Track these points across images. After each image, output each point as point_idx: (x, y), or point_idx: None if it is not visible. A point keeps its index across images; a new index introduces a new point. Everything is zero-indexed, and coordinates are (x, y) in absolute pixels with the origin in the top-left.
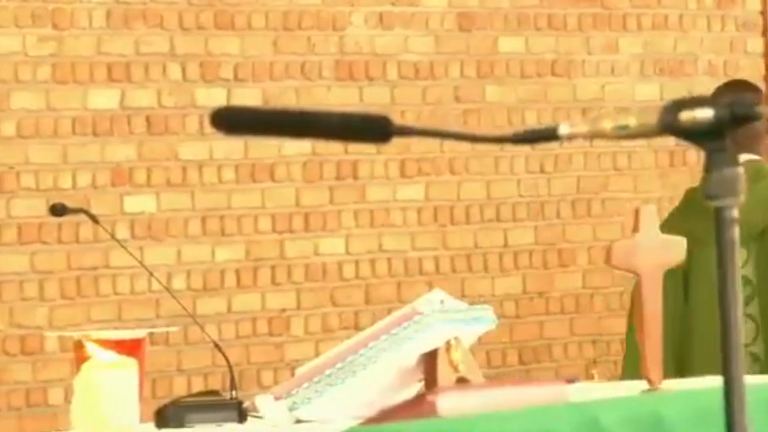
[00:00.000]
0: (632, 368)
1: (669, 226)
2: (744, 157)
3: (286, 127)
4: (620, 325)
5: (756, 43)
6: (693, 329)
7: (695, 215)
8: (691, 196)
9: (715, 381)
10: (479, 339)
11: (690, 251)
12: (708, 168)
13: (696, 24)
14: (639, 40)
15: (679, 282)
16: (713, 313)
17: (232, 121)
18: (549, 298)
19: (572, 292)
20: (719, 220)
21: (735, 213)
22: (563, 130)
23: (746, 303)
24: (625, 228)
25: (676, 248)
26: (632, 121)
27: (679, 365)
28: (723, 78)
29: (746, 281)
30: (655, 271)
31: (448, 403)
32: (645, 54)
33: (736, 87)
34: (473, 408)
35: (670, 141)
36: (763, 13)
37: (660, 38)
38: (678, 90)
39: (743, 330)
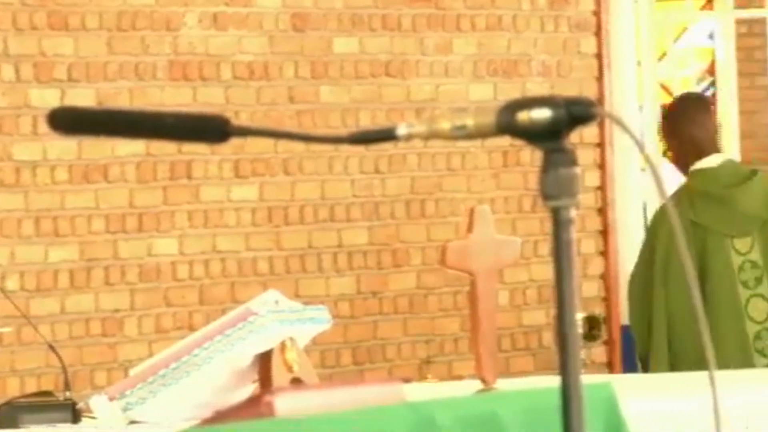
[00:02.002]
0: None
1: (678, 214)
2: (720, 157)
3: (124, 127)
4: (454, 324)
5: (589, 44)
6: (713, 321)
7: (703, 203)
8: (693, 183)
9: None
10: (313, 339)
11: (702, 240)
12: (545, 168)
13: (529, 25)
14: (473, 41)
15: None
16: (730, 303)
17: (69, 121)
18: (383, 298)
19: (406, 292)
20: (556, 220)
21: (572, 213)
22: (401, 130)
23: (757, 284)
24: (460, 228)
25: (509, 248)
26: (470, 122)
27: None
28: (556, 78)
29: (755, 265)
30: (489, 271)
31: (286, 403)
32: (479, 54)
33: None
34: (311, 408)
35: (504, 141)
36: (596, 13)
37: (494, 39)
38: (512, 90)
39: (578, 330)
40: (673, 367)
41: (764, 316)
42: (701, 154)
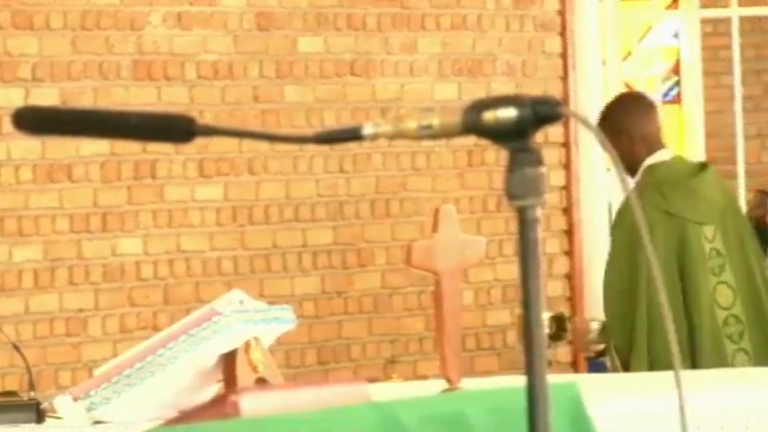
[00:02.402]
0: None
1: (646, 203)
2: (668, 152)
3: (89, 126)
4: (419, 324)
5: (554, 43)
6: (695, 309)
7: (673, 193)
8: (655, 175)
9: (516, 380)
10: (278, 339)
11: (680, 230)
12: (511, 168)
13: (494, 24)
14: (438, 40)
15: (675, 269)
16: (706, 291)
17: (33, 121)
18: (348, 297)
19: (371, 292)
20: (522, 220)
21: (538, 213)
22: (367, 130)
23: (721, 272)
24: (424, 228)
25: (474, 248)
26: (435, 121)
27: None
28: (521, 78)
29: (719, 253)
30: (454, 271)
31: (251, 403)
32: (444, 54)
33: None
34: (276, 408)
35: (469, 141)
36: (561, 13)
37: (458, 38)
38: (476, 90)
39: (544, 329)
40: (655, 362)
41: (730, 302)
42: (652, 150)
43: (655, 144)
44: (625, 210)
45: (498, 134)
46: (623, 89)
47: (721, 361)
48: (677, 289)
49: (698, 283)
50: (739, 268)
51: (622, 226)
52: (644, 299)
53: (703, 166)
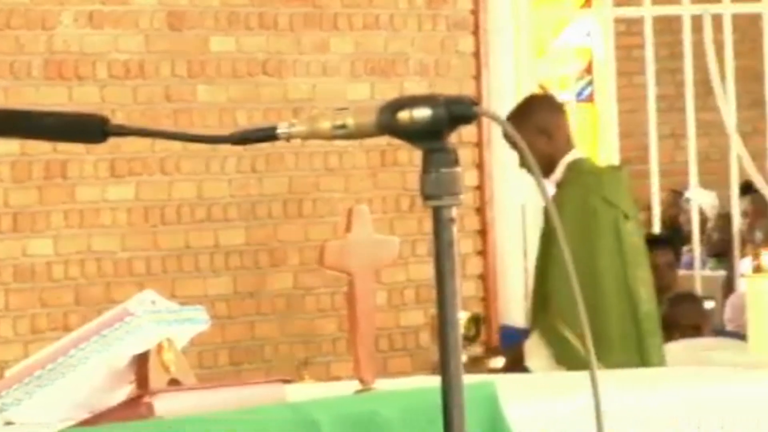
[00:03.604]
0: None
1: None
2: (579, 152)
3: (4, 126)
4: (332, 325)
5: (467, 43)
6: (634, 303)
7: (610, 183)
8: (590, 165)
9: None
10: (191, 340)
11: (615, 220)
12: (426, 168)
13: (407, 24)
14: (350, 40)
15: (617, 259)
16: (630, 283)
17: None
18: (260, 298)
19: (284, 293)
20: (437, 220)
21: (453, 213)
22: (282, 129)
23: (638, 266)
24: (337, 228)
25: (388, 248)
26: (350, 121)
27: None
28: (434, 77)
29: (637, 248)
30: (367, 271)
31: (165, 404)
32: (356, 54)
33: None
34: (191, 409)
35: (382, 141)
36: (474, 12)
37: (371, 38)
38: (389, 90)
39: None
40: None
41: (647, 296)
42: (567, 149)
43: (569, 143)
44: (568, 200)
45: (413, 134)
46: (537, 89)
47: (642, 356)
48: (621, 278)
49: (635, 276)
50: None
51: (575, 215)
52: (614, 289)
53: (618, 167)
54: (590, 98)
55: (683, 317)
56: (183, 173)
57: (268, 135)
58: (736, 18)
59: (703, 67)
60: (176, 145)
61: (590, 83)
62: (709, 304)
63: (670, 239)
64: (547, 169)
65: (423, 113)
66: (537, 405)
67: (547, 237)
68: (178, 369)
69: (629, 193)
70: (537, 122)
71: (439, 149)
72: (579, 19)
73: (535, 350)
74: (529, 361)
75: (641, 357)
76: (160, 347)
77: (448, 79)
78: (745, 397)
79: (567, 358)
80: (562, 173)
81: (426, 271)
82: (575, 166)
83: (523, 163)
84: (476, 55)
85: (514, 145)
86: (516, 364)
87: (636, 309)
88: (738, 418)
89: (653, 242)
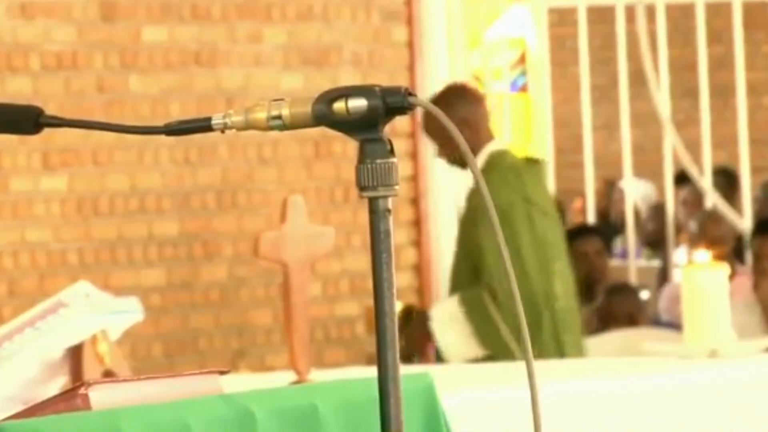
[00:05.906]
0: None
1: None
2: (500, 142)
3: None
4: (266, 316)
5: (401, 33)
6: (556, 298)
7: (530, 179)
8: (511, 158)
9: (364, 372)
10: (125, 331)
11: (532, 216)
12: (361, 159)
13: (340, 14)
14: (283, 30)
15: (532, 255)
16: (548, 280)
17: None
18: (194, 289)
19: (218, 284)
20: (373, 211)
21: (389, 204)
22: (217, 120)
23: (555, 262)
24: (272, 219)
25: (323, 239)
26: (285, 112)
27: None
28: (368, 68)
29: (554, 244)
30: (302, 262)
31: (101, 396)
32: (289, 44)
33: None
34: (127, 401)
35: (316, 132)
36: (407, 2)
37: (304, 28)
38: (323, 80)
39: (396, 320)
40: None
41: (564, 292)
42: (488, 138)
43: (489, 133)
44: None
45: (348, 125)
46: (471, 79)
47: (560, 352)
48: (534, 274)
49: (551, 270)
50: (565, 263)
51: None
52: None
53: (535, 160)
54: (524, 88)
55: (619, 308)
56: (116, 164)
57: (203, 126)
58: (670, 8)
59: (637, 57)
60: (109, 136)
61: (524, 73)
62: (644, 295)
63: (600, 228)
64: (466, 158)
65: (359, 104)
66: (473, 394)
67: (472, 215)
68: (113, 361)
69: (546, 188)
70: (459, 112)
71: (374, 140)
72: (513, 10)
73: (449, 323)
74: (441, 335)
75: (559, 353)
76: (94, 339)
77: (382, 69)
78: (678, 387)
79: (487, 337)
80: (484, 162)
81: (361, 262)
82: (497, 158)
83: (441, 154)
84: (410, 45)
85: (430, 135)
86: (419, 330)
87: (552, 305)
88: (670, 408)
89: (582, 231)
